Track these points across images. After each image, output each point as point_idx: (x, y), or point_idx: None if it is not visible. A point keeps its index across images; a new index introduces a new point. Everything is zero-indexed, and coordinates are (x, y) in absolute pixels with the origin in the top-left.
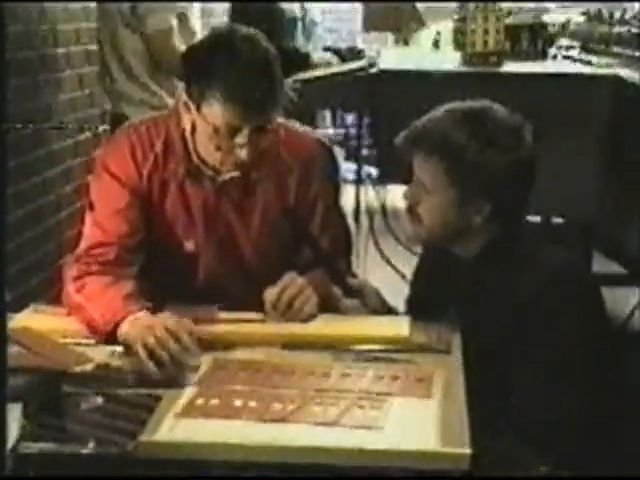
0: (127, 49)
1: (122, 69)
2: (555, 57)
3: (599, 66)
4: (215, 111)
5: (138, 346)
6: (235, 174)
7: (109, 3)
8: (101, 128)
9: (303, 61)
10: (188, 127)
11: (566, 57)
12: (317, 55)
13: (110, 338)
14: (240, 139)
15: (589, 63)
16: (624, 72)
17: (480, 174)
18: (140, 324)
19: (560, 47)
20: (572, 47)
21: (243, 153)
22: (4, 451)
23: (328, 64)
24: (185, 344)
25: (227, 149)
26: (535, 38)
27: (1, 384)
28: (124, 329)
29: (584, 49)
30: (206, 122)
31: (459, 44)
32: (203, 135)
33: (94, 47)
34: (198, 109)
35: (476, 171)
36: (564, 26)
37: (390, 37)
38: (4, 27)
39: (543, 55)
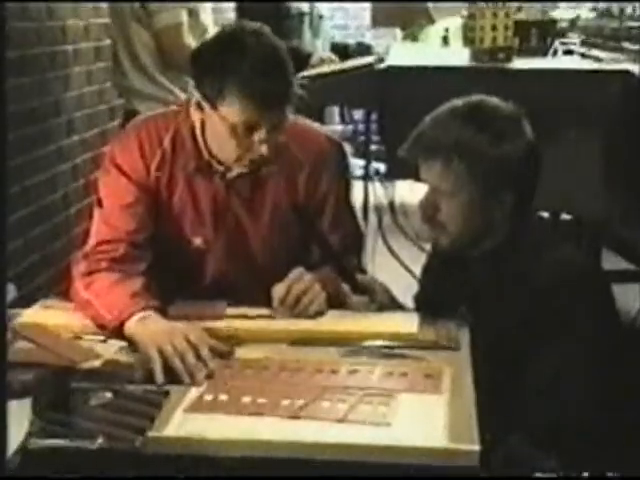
0: (138, 45)
1: (134, 65)
2: (555, 53)
3: (609, 62)
4: (234, 110)
5: (152, 350)
6: (245, 170)
7: None
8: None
9: (304, 60)
10: (198, 125)
11: (567, 52)
12: (316, 56)
13: (117, 334)
14: (259, 135)
15: (599, 59)
16: (635, 68)
17: (499, 165)
18: (153, 326)
19: (564, 43)
20: (584, 42)
21: (263, 149)
22: (5, 447)
23: (331, 62)
24: (204, 359)
25: (245, 146)
26: (544, 34)
27: (1, 381)
28: (131, 327)
29: (593, 45)
30: (223, 120)
31: (468, 40)
32: (218, 133)
33: (103, 43)
34: (213, 108)
35: (495, 163)
36: (573, 22)
37: (399, 33)
38: (4, 24)
39: (552, 51)
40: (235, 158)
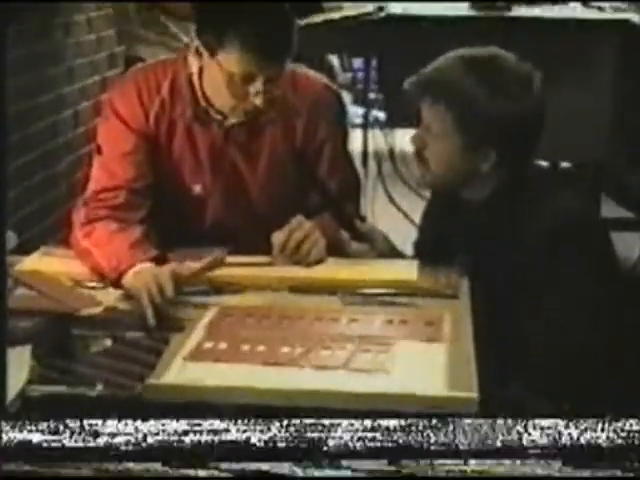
0: None
1: (139, 10)
2: (556, 0)
3: (610, 11)
4: (232, 58)
5: (143, 293)
6: (241, 119)
7: None
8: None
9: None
10: (195, 71)
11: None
12: None
13: (116, 284)
14: (255, 87)
15: (600, 8)
16: (636, 17)
17: (487, 122)
18: (146, 274)
19: None
20: None
21: (257, 100)
22: (5, 393)
23: (339, 7)
24: (183, 276)
25: (240, 96)
26: None
27: (2, 327)
28: (129, 278)
29: None
30: (220, 68)
31: None
32: (215, 81)
33: None
34: (212, 55)
35: (483, 118)
36: None
37: None
38: None
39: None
40: (230, 107)
